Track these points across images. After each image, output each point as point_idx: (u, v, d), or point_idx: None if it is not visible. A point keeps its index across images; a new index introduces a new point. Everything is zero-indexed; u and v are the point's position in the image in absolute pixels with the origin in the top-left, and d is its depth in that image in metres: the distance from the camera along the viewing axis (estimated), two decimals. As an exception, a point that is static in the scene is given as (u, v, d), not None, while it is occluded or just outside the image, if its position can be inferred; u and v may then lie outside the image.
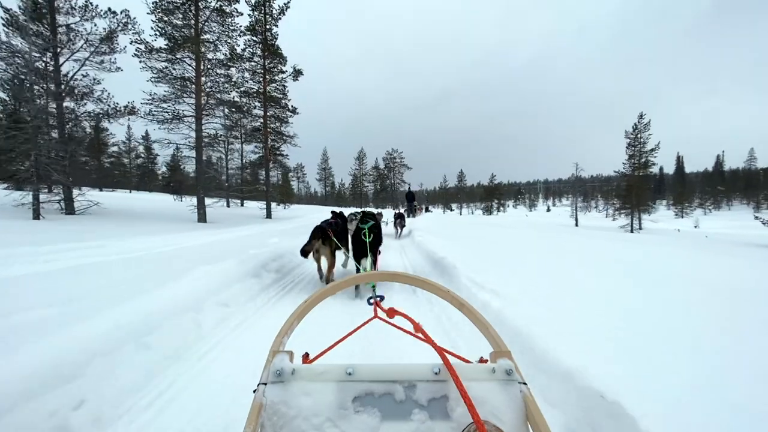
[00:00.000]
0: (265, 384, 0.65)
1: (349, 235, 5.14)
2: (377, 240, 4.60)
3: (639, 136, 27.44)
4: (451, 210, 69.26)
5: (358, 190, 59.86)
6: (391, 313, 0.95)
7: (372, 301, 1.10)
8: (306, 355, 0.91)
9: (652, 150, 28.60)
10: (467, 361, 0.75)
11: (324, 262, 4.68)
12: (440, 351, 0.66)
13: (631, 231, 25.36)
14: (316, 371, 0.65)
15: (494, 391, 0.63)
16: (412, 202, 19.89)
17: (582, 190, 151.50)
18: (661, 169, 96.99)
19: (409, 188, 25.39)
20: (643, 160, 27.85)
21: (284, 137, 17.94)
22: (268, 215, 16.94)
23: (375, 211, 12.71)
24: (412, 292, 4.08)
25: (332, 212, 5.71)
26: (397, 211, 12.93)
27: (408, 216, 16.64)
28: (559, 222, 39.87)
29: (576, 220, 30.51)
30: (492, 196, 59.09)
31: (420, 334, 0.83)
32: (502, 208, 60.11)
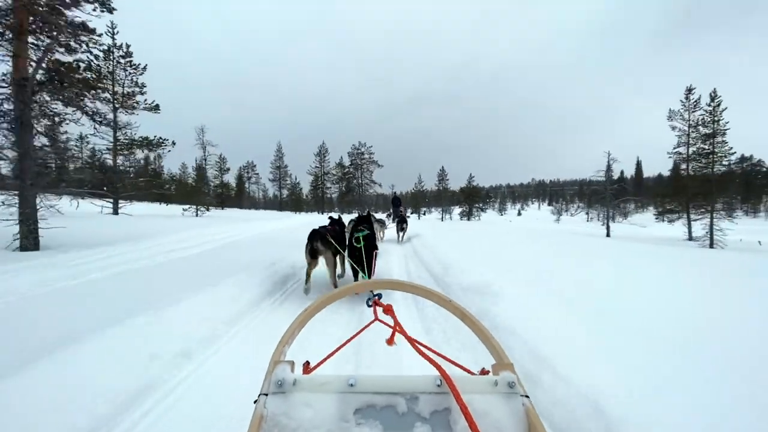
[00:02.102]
0: (266, 395, 0.62)
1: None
2: (371, 247, 4.39)
3: (716, 115, 18.96)
4: (423, 214, 60.05)
5: (319, 192, 48.81)
6: (387, 311, 0.94)
7: (371, 302, 1.02)
8: (307, 364, 0.84)
9: (712, 134, 20.43)
10: (470, 372, 0.74)
11: (321, 268, 4.48)
12: (437, 365, 0.65)
13: (711, 245, 16.89)
14: (318, 382, 0.62)
15: (496, 404, 0.61)
16: (398, 207, 17.26)
17: (547, 193, 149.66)
18: (621, 172, 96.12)
19: (394, 193, 24.09)
20: (708, 149, 19.65)
21: (72, 31, 6.32)
22: (26, 243, 5.92)
23: (378, 216, 11.90)
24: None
25: (330, 218, 5.29)
26: (401, 215, 11.88)
27: (394, 221, 14.94)
28: (568, 229, 31.56)
29: (608, 228, 21.87)
30: (471, 199, 50.22)
31: (419, 346, 0.78)
32: (481, 213, 51.42)
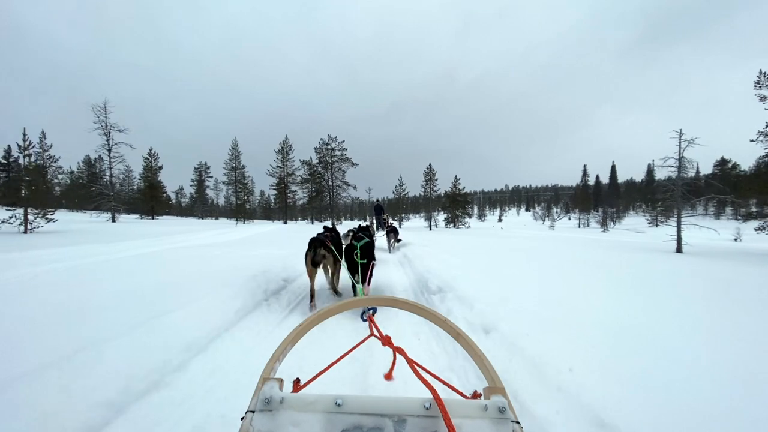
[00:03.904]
0: (253, 412, 0.60)
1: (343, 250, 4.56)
2: (370, 259, 4.14)
3: None
4: (402, 221, 52.22)
5: (282, 198, 39.89)
6: (386, 342, 0.89)
7: (365, 317, 0.95)
8: (297, 381, 0.81)
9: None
10: (462, 395, 0.72)
11: (321, 276, 4.33)
12: (431, 387, 0.63)
13: None
14: (306, 401, 0.61)
15: (486, 430, 0.58)
16: (381, 215, 15.47)
17: (522, 199, 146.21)
18: (597, 177, 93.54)
19: (377, 201, 19.99)
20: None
21: None
22: None
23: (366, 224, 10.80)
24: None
25: (324, 227, 4.98)
26: (391, 225, 11.35)
27: (378, 230, 13.28)
28: (590, 238, 24.55)
29: (678, 241, 14.76)
30: (457, 204, 42.91)
31: (412, 364, 0.78)
32: (467, 220, 44.23)
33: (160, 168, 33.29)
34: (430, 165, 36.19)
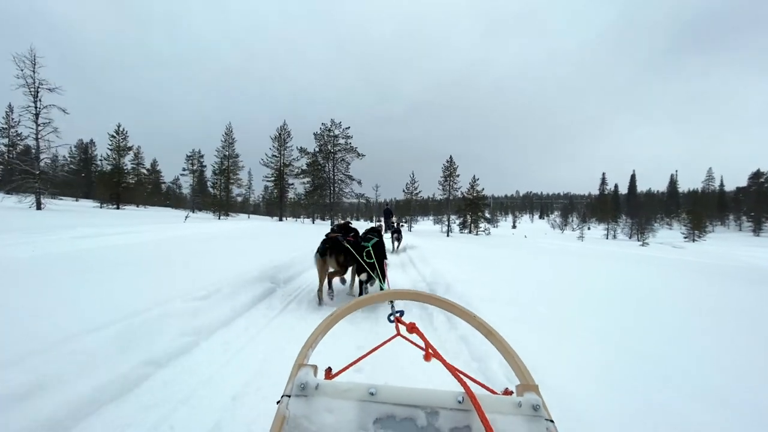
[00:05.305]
0: (289, 396, 0.61)
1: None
2: (380, 258, 4.13)
3: None
4: (406, 222, 46.23)
5: (278, 191, 34.48)
6: (411, 329, 0.90)
7: (392, 318, 0.99)
8: (329, 370, 0.82)
9: None
10: (493, 391, 0.71)
11: (333, 277, 4.31)
12: (463, 382, 0.63)
13: None
14: (340, 388, 0.61)
15: (519, 426, 0.57)
16: (390, 219, 15.64)
17: (534, 206, 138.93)
18: (616, 186, 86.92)
19: (386, 204, 20.95)
20: None
21: None
22: None
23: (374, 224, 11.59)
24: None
25: (339, 222, 4.78)
26: (394, 226, 11.92)
27: (385, 232, 12.90)
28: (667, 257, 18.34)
29: None
30: (474, 208, 36.75)
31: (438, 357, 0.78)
32: (488, 226, 38.23)
33: (129, 149, 28.12)
34: (450, 158, 30.31)
